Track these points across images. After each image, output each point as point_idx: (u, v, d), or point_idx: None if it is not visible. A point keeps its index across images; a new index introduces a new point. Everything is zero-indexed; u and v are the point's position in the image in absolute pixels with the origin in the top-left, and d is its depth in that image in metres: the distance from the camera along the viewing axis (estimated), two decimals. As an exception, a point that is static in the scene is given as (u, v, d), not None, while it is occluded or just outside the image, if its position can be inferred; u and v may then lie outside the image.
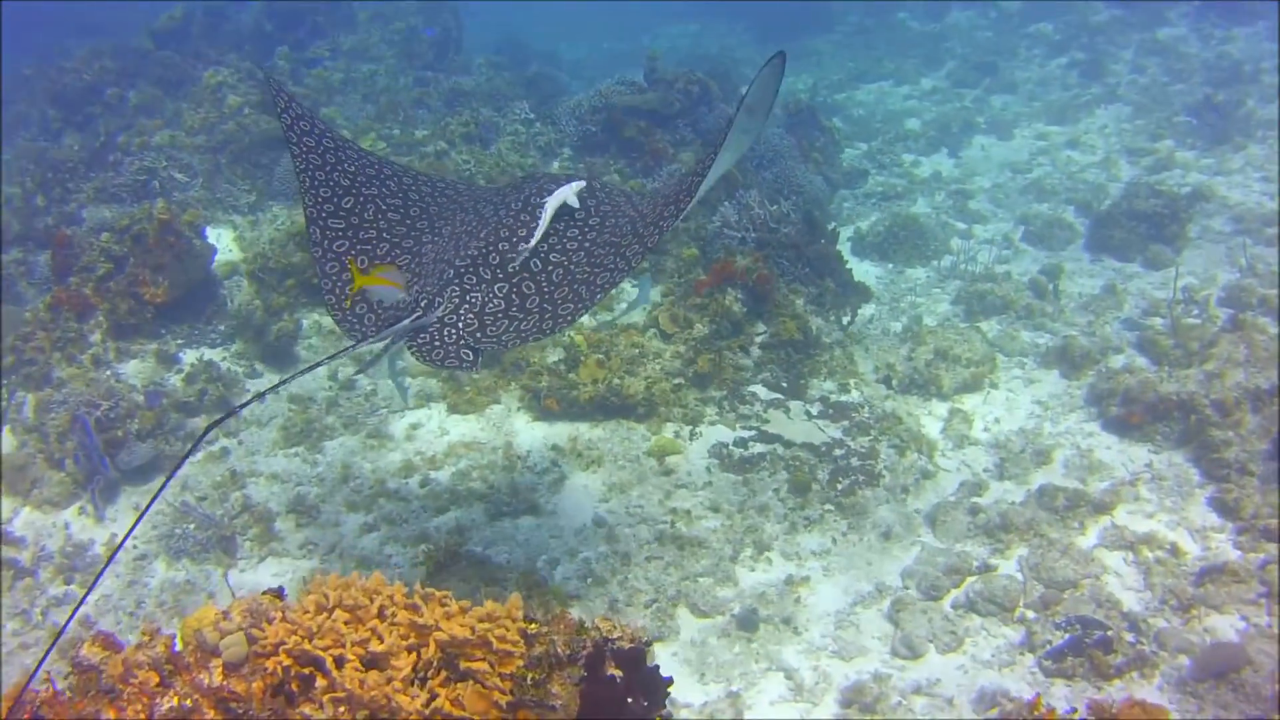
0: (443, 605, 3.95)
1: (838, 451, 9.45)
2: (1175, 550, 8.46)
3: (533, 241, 5.94)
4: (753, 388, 10.06)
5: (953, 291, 13.46)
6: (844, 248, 14.49)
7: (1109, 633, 7.56)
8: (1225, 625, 7.77)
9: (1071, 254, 14.49)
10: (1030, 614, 8.00)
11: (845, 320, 11.14)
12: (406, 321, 5.68)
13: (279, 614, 3.90)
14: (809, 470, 9.19)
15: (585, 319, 10.70)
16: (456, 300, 5.79)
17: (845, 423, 9.78)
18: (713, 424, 9.67)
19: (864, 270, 14.15)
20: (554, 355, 10.24)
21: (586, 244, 6.07)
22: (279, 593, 4.22)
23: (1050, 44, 25.70)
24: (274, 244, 11.74)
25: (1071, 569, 8.22)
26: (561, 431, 9.67)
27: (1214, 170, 16.94)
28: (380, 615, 3.89)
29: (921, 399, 10.70)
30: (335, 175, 6.36)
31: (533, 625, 4.09)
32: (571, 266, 5.96)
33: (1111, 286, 12.85)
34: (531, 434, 9.75)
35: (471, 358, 5.60)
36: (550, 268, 5.96)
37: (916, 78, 24.78)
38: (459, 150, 15.07)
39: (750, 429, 9.60)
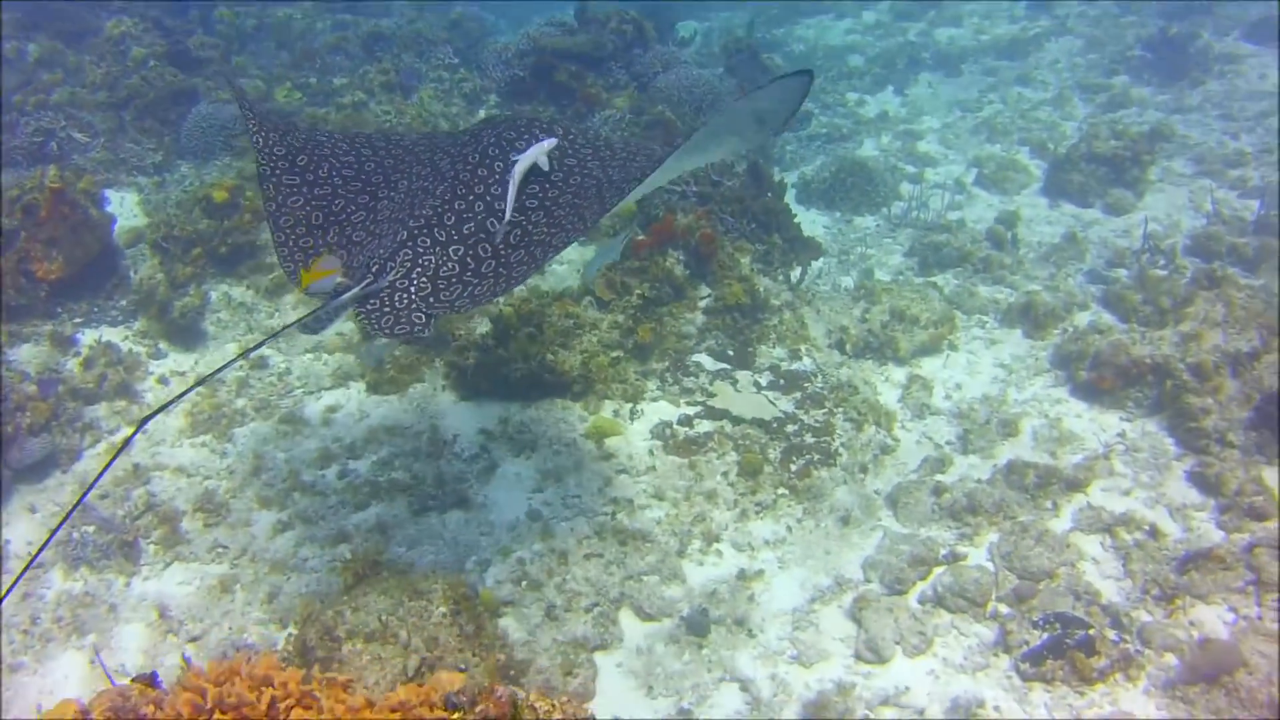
0: (345, 695, 3.23)
1: (790, 427, 8.79)
2: (1155, 532, 7.90)
3: (506, 217, 5.73)
4: (697, 357, 9.35)
5: (905, 241, 12.81)
6: (789, 196, 13.79)
7: (1090, 632, 6.99)
8: (1212, 617, 7.23)
9: (1028, 199, 13.89)
10: (1004, 609, 7.41)
11: (794, 279, 10.43)
12: (356, 289, 5.50)
13: (151, 709, 3.17)
14: (760, 450, 8.51)
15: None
16: (409, 264, 5.64)
17: (797, 394, 9.11)
18: (655, 400, 8.94)
19: (810, 220, 13.46)
20: (482, 326, 9.45)
21: (548, 203, 5.91)
22: (151, 680, 3.51)
23: (994, -27, 24.96)
24: (180, 208, 10.81)
25: (1046, 557, 7.63)
26: (491, 413, 8.89)
27: (1171, 107, 16.41)
28: (270, 715, 3.15)
29: (877, 364, 10.05)
30: (288, 138, 6.33)
31: (455, 715, 3.39)
32: (530, 226, 5.81)
33: (1072, 235, 12.26)
34: (458, 416, 8.96)
35: (423, 322, 5.45)
36: (509, 228, 5.79)
37: (858, 11, 23.99)
38: (379, 100, 14.10)
39: (695, 404, 8.89)
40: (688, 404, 8.91)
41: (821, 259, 12.17)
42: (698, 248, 9.52)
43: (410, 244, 5.73)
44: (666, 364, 9.21)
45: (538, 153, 5.92)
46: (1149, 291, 10.45)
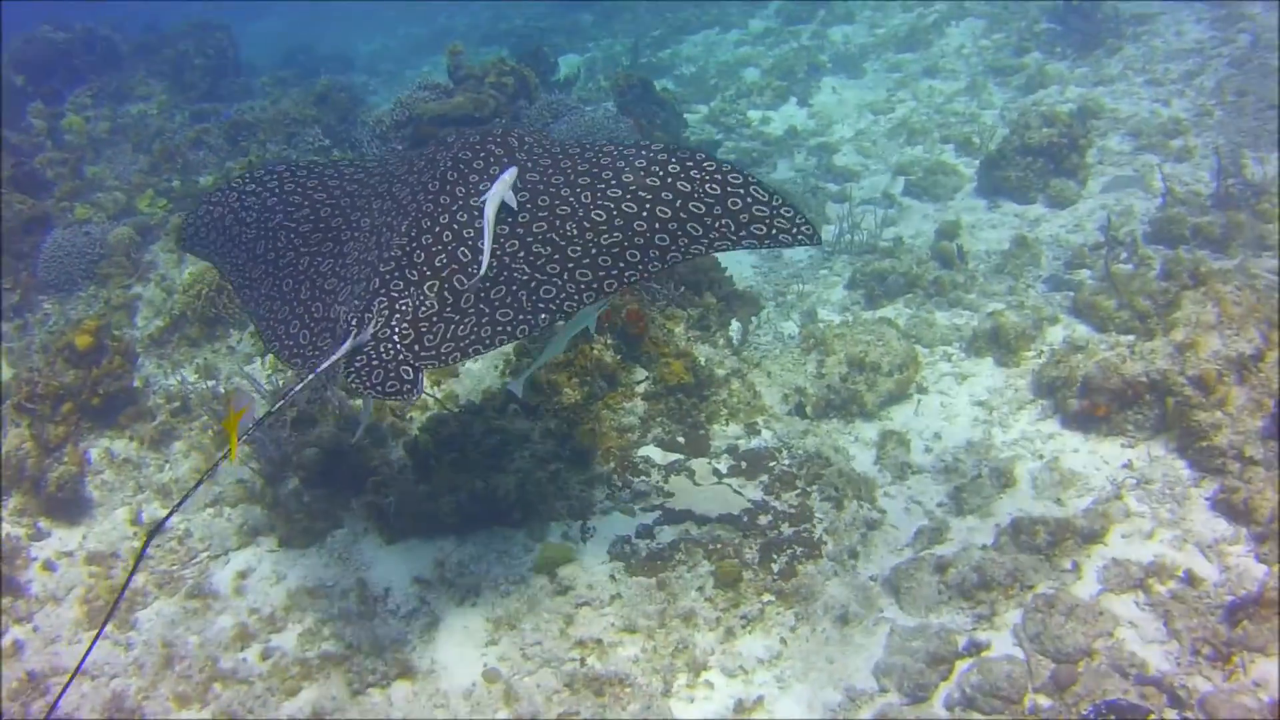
0: None
1: (763, 519, 7.95)
2: (1191, 578, 7.17)
3: (483, 266, 5.64)
4: (644, 451, 8.49)
5: (844, 270, 12.10)
6: (709, 237, 13.03)
7: (1150, 718, 6.22)
8: (1276, 674, 6.51)
9: (963, 203, 13.28)
10: (1044, 701, 6.61)
11: (736, 340, 9.63)
12: (347, 344, 5.52)
13: None
14: (735, 552, 7.66)
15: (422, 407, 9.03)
16: (387, 312, 5.62)
17: (764, 477, 8.29)
18: (606, 513, 8.04)
19: (736, 261, 12.68)
20: (398, 450, 8.53)
21: (521, 231, 5.84)
22: None
23: (880, -39, 24.55)
24: (45, 358, 9.81)
25: (1080, 632, 6.85)
26: (424, 556, 7.92)
27: (1093, 80, 15.95)
28: None
29: (843, 423, 9.26)
30: (243, 234, 6.50)
31: None
32: (506, 259, 5.73)
33: (1021, 239, 11.61)
34: (387, 564, 7.98)
35: (411, 378, 5.42)
36: (482, 257, 5.71)
37: (744, 20, 23.44)
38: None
39: (652, 509, 8.03)
40: (643, 510, 8.04)
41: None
42: (625, 327, 8.68)
43: (384, 290, 5.68)
44: (612, 465, 8.33)
45: (502, 190, 5.86)
46: (1122, 294, 9.80)
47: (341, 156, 14.33)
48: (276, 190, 6.68)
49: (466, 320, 5.59)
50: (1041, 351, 9.66)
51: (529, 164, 6.20)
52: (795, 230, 5.65)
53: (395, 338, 5.54)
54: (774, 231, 5.65)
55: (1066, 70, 16.53)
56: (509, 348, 9.14)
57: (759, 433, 8.76)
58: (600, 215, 5.80)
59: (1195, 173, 12.58)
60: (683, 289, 9.40)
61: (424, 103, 13.69)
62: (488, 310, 5.60)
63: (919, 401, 9.38)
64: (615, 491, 8.18)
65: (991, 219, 12.64)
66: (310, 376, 5.58)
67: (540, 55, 17.67)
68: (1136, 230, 11.48)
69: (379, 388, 5.39)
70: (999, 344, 9.75)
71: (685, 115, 17.15)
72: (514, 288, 5.63)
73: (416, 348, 5.51)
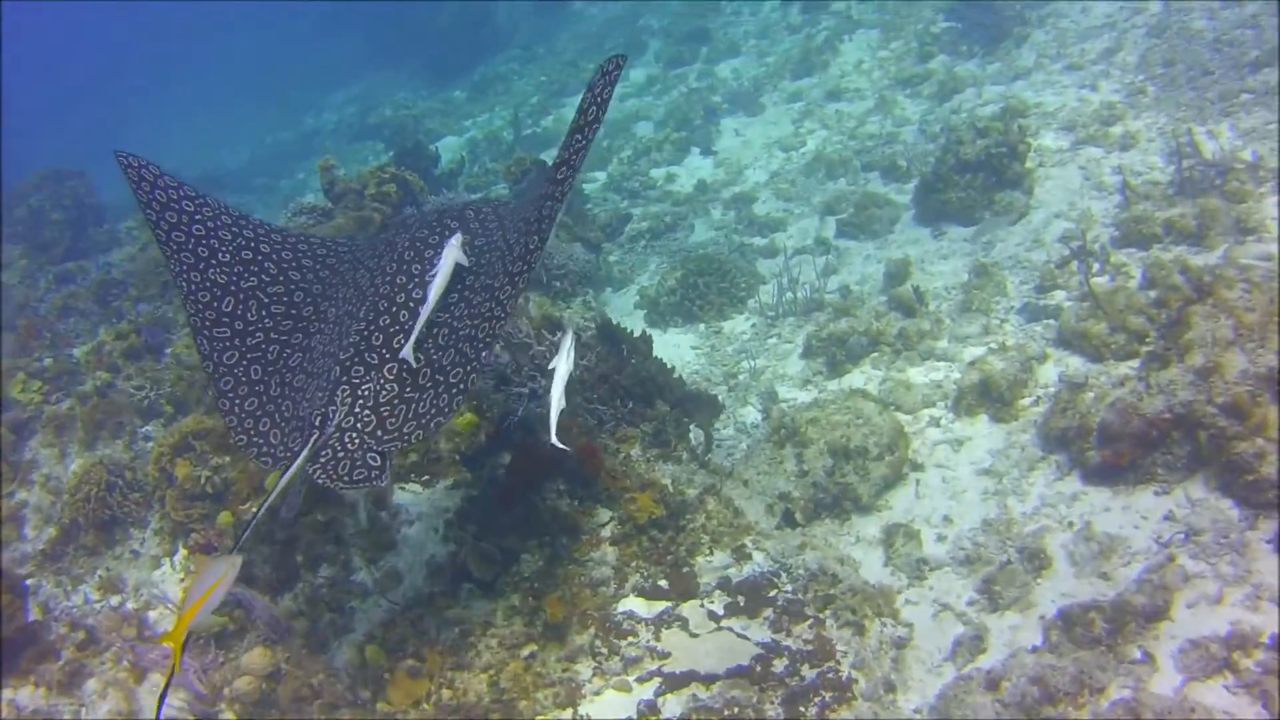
0: None
1: (779, 664, 7.03)
2: (1278, 642, 6.38)
3: (413, 336, 5.97)
4: (625, 606, 7.53)
5: (795, 335, 11.31)
6: (637, 321, 12.22)
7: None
8: None
9: (905, 235, 12.57)
10: (1155, 836, 5.76)
11: (699, 449, 8.75)
12: (305, 451, 5.65)
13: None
14: (755, 713, 6.73)
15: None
16: (349, 401, 5.85)
17: (768, 612, 7.37)
18: (598, 694, 7.04)
19: (673, 345, 11.86)
20: (345, 652, 7.53)
21: (466, 293, 6.17)
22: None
23: (753, -14, 24.09)
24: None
25: (1176, 740, 6.02)
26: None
27: (1009, 75, 15.37)
28: None
29: (839, 522, 8.41)
30: (211, 272, 6.44)
31: None
32: (454, 323, 6.04)
33: (981, 267, 10.89)
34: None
35: (379, 463, 5.62)
36: (435, 330, 6.06)
37: (625, 72, 22.58)
38: (127, 374, 12.01)
39: (649, 678, 7.06)
40: (639, 680, 7.06)
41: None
42: (578, 467, 7.75)
43: (345, 379, 5.93)
44: (592, 631, 7.36)
45: (449, 263, 6.18)
46: (1112, 316, 9.08)
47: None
48: (252, 244, 6.70)
49: (425, 395, 5.85)
50: (1039, 398, 8.90)
51: (480, 231, 6.60)
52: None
53: (359, 427, 5.75)
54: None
55: (978, 69, 15.97)
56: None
57: (749, 556, 7.85)
58: (513, 238, 6.15)
59: (1145, 159, 11.98)
60: (630, 404, 8.50)
61: (303, 230, 12.70)
62: (442, 377, 5.87)
63: (917, 482, 8.56)
64: (602, 663, 7.21)
65: (940, 248, 11.92)
66: (283, 481, 5.56)
67: (420, 150, 16.82)
68: (1102, 235, 10.82)
69: (346, 478, 5.56)
70: (990, 398, 8.98)
71: (583, 186, 16.34)
72: (459, 344, 5.91)
73: (380, 433, 5.75)
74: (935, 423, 9.16)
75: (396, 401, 5.85)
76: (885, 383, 9.78)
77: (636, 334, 8.98)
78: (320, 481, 5.62)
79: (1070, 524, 7.73)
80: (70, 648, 8.95)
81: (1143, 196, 10.92)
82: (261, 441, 6.08)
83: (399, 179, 13.44)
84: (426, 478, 9.04)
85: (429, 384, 5.89)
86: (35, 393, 12.65)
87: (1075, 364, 9.15)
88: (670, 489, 8.06)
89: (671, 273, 12.69)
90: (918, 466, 8.69)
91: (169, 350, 12.63)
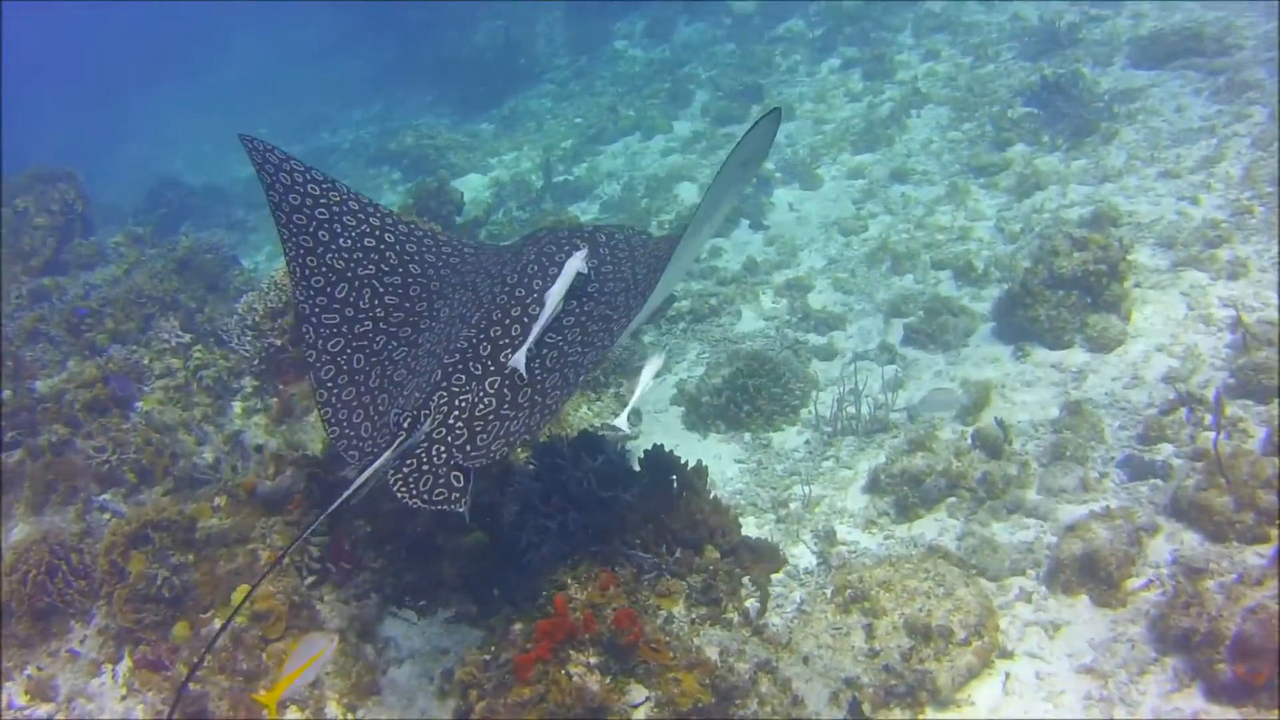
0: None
1: None
2: None
3: (527, 343, 6.03)
4: (659, 814, 6.48)
5: (854, 460, 10.31)
6: (673, 422, 11.20)
7: None
8: None
9: (981, 351, 11.53)
10: None
11: (753, 612, 7.70)
12: (387, 453, 5.68)
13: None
14: None
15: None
16: (445, 409, 5.89)
17: (832, 835, 6.32)
18: None
19: (713, 455, 10.82)
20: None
21: (583, 318, 6.29)
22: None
23: (810, 45, 23.31)
24: None
25: None
26: None
27: (1096, 176, 14.37)
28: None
29: (911, 716, 7.34)
30: (329, 257, 6.55)
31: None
32: (565, 346, 6.15)
33: (1075, 406, 9.87)
34: None
35: (461, 484, 5.59)
36: (545, 350, 6.14)
37: (667, 124, 21.80)
38: (88, 430, 10.99)
39: None
40: None
41: (754, 522, 9.61)
42: (613, 636, 6.68)
43: (445, 384, 5.98)
44: None
45: (570, 274, 6.22)
46: (1237, 489, 8.06)
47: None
48: (377, 231, 6.83)
49: (520, 414, 5.88)
50: (1151, 582, 7.85)
51: (608, 257, 6.68)
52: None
53: (449, 439, 5.77)
54: None
55: (1061, 164, 14.97)
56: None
57: (809, 758, 6.80)
58: (641, 272, 6.59)
59: (1258, 292, 10.97)
60: (678, 551, 7.45)
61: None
62: (540, 399, 5.93)
63: (1007, 676, 7.48)
64: None
65: (1023, 373, 10.90)
66: (359, 480, 5.61)
67: (443, 193, 15.82)
68: (1213, 381, 9.83)
69: (425, 495, 5.56)
70: (1090, 574, 7.93)
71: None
72: (565, 369, 6.04)
73: (468, 448, 5.74)
74: (1026, 597, 8.10)
75: (491, 417, 5.88)
76: (966, 538, 8.74)
77: (690, 464, 7.93)
78: (398, 493, 5.60)
79: (1196, 753, 6.69)
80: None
81: (1264, 341, 9.90)
82: (352, 434, 6.11)
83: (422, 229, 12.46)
84: (424, 603, 8.04)
85: (527, 404, 5.92)
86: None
87: (1191, 541, 8.12)
88: (719, 665, 7.00)
89: (718, 370, 11.66)
90: (1006, 654, 7.62)
91: (139, 405, 11.62)
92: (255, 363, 11.71)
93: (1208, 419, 9.31)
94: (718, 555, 7.74)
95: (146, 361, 12.38)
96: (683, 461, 7.94)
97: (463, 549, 7.90)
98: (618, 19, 28.67)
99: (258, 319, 11.78)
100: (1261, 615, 6.83)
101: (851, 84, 20.78)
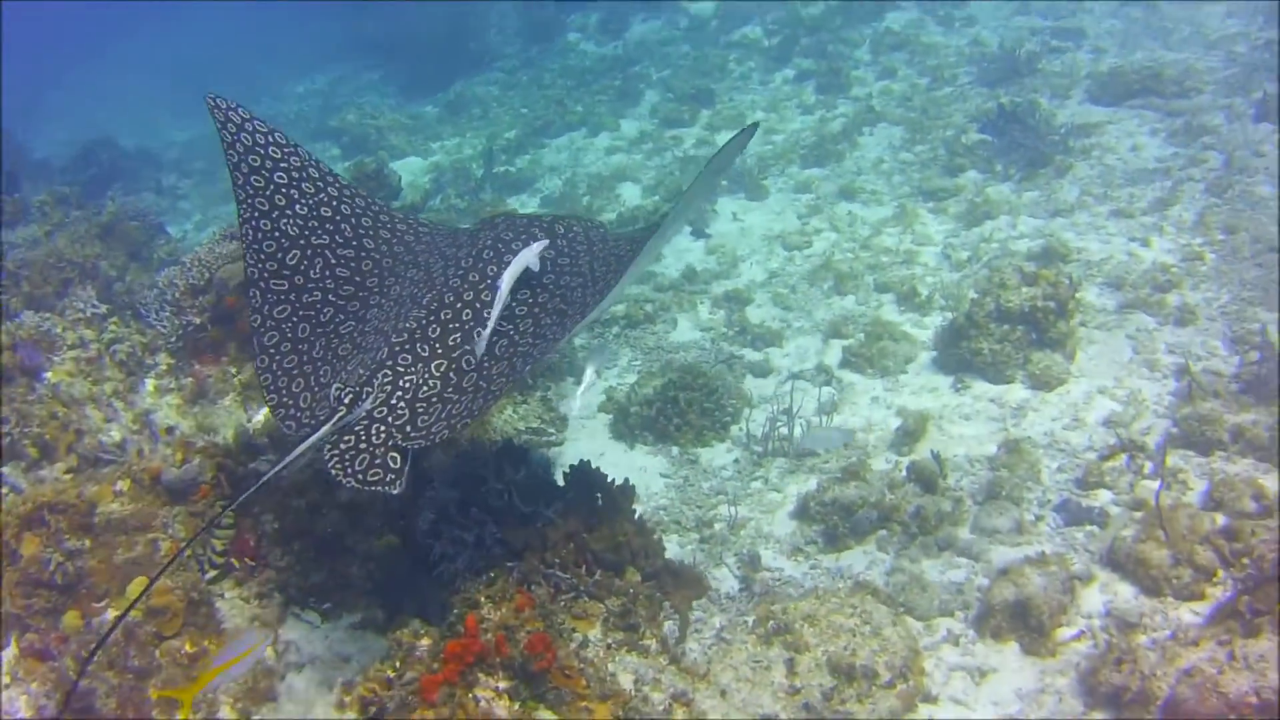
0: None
1: None
2: None
3: (487, 330, 6.03)
4: None
5: (784, 482, 10.00)
6: (600, 429, 10.87)
7: None
8: None
9: (921, 380, 11.29)
10: None
11: (672, 637, 7.36)
12: (326, 427, 5.62)
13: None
14: None
15: None
16: (389, 388, 5.87)
17: None
18: None
19: (638, 468, 10.48)
20: None
21: (536, 310, 6.35)
22: None
23: (765, 53, 23.13)
24: None
25: None
26: None
27: (1047, 209, 14.21)
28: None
29: (829, 758, 7.04)
30: (284, 223, 6.52)
31: None
32: (516, 336, 6.22)
33: (1014, 445, 9.63)
34: None
35: (398, 466, 5.55)
36: (496, 338, 6.14)
37: (615, 121, 21.49)
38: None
39: None
40: None
41: (677, 541, 9.29)
42: (525, 661, 6.31)
43: (390, 362, 5.95)
44: None
45: (525, 260, 6.24)
46: (1175, 543, 7.85)
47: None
48: (334, 201, 6.79)
49: (463, 399, 5.87)
50: (1083, 633, 7.61)
51: (565, 249, 6.68)
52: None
53: (390, 419, 5.74)
54: None
55: (1012, 195, 14.80)
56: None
57: (719, 797, 6.48)
58: (599, 270, 6.54)
59: (1206, 341, 10.82)
60: (598, 573, 7.09)
61: (229, 262, 11.17)
62: (485, 384, 5.95)
63: (930, 722, 7.21)
64: None
65: (962, 406, 10.66)
66: (294, 454, 5.52)
67: (381, 176, 15.42)
68: (1152, 429, 9.66)
69: (360, 475, 5.49)
70: (1025, 623, 7.67)
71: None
72: (514, 359, 6.10)
73: (409, 429, 5.72)
74: (954, 640, 7.83)
75: (435, 399, 5.86)
76: (895, 574, 8.45)
77: (617, 482, 7.58)
78: (333, 471, 5.53)
79: (1122, 820, 6.44)
80: None
81: (1209, 392, 9.73)
82: (291, 403, 6.08)
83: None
84: (329, 606, 7.63)
85: (471, 388, 5.93)
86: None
87: (1125, 593, 7.89)
88: (633, 694, 6.65)
89: (649, 379, 11.33)
90: (930, 698, 7.34)
91: (47, 376, 11.05)
92: (172, 340, 11.22)
93: (1148, 467, 9.12)
94: (639, 578, 7.45)
95: (59, 330, 11.79)
96: (609, 480, 7.60)
97: (373, 552, 7.54)
98: (572, 10, 28.33)
99: (178, 295, 11.29)
100: (1197, 679, 6.59)
101: (805, 96, 20.59)
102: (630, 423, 10.99)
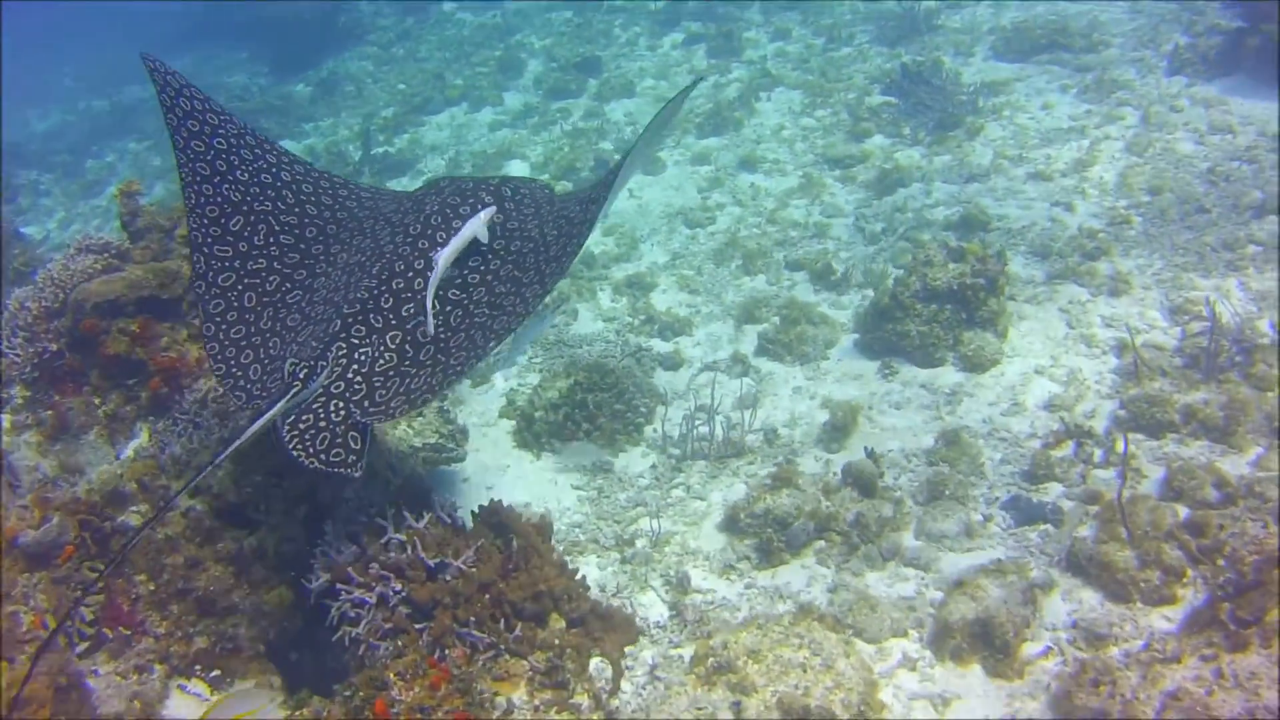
0: None
1: None
2: None
3: (427, 304, 5.97)
4: None
5: (707, 489, 9.36)
6: (503, 438, 10.15)
7: None
8: None
9: (844, 366, 10.73)
10: None
11: (604, 692, 6.67)
12: (281, 402, 5.54)
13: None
14: None
15: None
16: (344, 361, 5.83)
17: None
18: None
19: (549, 482, 9.77)
20: None
21: (489, 278, 6.32)
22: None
23: (652, 17, 22.41)
24: None
25: None
26: None
27: (961, 174, 13.71)
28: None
29: (785, 814, 6.42)
30: (225, 188, 6.46)
31: None
32: (471, 306, 6.15)
33: (953, 435, 9.12)
34: None
35: (358, 446, 5.51)
36: (449, 308, 6.13)
37: (498, 94, 20.62)
38: None
39: None
40: None
41: (599, 570, 8.60)
42: (433, 740, 5.58)
43: (344, 335, 5.91)
44: None
45: (471, 232, 6.34)
46: (1139, 543, 7.37)
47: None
48: (274, 169, 6.72)
49: (422, 372, 5.81)
50: (1050, 649, 7.08)
51: (514, 213, 6.66)
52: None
53: (347, 394, 5.69)
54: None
55: (924, 160, 14.29)
56: None
57: None
58: (551, 234, 6.47)
59: (1144, 312, 10.39)
60: (518, 627, 6.36)
61: (86, 280, 10.14)
62: (444, 358, 5.87)
63: (895, 765, 6.63)
64: None
65: (891, 393, 10.10)
66: (251, 430, 5.38)
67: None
68: (1099, 410, 9.19)
69: (321, 456, 5.45)
70: (988, 643, 7.11)
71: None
72: (473, 332, 5.98)
73: (367, 404, 5.66)
74: (910, 664, 7.23)
75: (392, 373, 5.82)
76: (839, 590, 7.85)
77: (533, 519, 6.86)
78: (293, 450, 5.47)
79: None
80: None
81: (1157, 370, 9.28)
82: (240, 375, 5.98)
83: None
84: (217, 674, 6.83)
85: (430, 362, 5.87)
86: None
87: (1090, 600, 7.39)
88: (563, 763, 5.97)
89: (554, 381, 10.58)
90: (887, 729, 6.77)
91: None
92: (26, 370, 10.17)
93: (1097, 455, 8.65)
94: (564, 625, 6.75)
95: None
96: (523, 519, 6.87)
97: (263, 608, 6.77)
98: (447, -24, 27.39)
99: (30, 319, 10.24)
100: (1185, 702, 6.09)
101: (696, 61, 19.94)
102: (535, 430, 10.25)
